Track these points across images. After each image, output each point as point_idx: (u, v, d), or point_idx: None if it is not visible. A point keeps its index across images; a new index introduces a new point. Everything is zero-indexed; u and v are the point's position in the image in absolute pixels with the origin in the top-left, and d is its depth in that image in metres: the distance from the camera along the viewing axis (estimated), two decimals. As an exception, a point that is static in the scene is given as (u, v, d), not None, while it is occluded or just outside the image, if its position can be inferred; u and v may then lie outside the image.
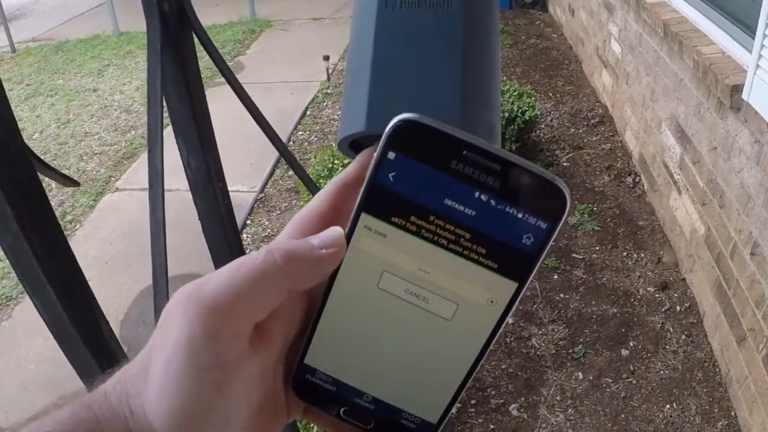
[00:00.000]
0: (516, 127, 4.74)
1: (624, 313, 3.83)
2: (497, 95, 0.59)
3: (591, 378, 3.48)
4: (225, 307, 0.43)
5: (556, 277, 4.14)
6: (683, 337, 3.66)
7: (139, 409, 0.43)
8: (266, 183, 5.59)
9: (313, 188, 0.98)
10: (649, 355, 3.58)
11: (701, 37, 3.78)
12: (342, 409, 0.51)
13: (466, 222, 0.44)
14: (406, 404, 0.51)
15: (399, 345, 0.49)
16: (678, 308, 3.83)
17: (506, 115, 4.73)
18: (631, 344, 3.64)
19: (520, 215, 0.44)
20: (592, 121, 5.91)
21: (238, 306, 0.43)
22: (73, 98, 8.06)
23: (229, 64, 8.29)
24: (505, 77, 6.91)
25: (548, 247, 0.44)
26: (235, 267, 0.44)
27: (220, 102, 7.63)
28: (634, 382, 3.46)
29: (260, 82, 7.82)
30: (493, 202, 0.44)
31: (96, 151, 6.64)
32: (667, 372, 3.49)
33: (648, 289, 3.99)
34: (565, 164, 5.28)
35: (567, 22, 8.04)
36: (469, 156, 0.44)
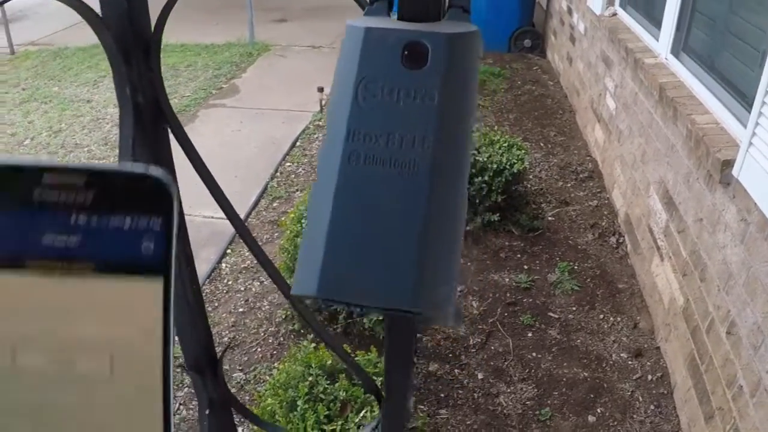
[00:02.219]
0: (503, 179, 4.71)
1: (595, 378, 3.78)
2: (457, 263, 0.58)
3: (556, 443, 3.45)
4: None
5: (530, 335, 4.09)
6: (652, 407, 3.61)
7: None
8: (250, 212, 5.57)
9: (272, 271, 0.96)
10: (615, 423, 3.53)
11: (696, 105, 3.77)
12: None
13: (78, 252, 0.39)
14: None
15: None
16: (649, 377, 3.79)
17: (494, 166, 4.71)
18: (599, 411, 3.59)
19: (128, 223, 0.39)
20: (581, 176, 5.91)
21: None
22: (67, 107, 8.05)
23: (223, 86, 8.46)
24: (496, 125, 6.93)
25: (174, 239, 0.40)
26: None
27: (213, 123, 7.62)
28: (599, 450, 3.42)
29: (253, 107, 7.86)
30: (94, 220, 0.39)
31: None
32: (633, 442, 3.46)
33: (621, 355, 3.94)
34: (550, 218, 5.26)
35: (564, 71, 8.07)
36: (52, 180, 0.39)
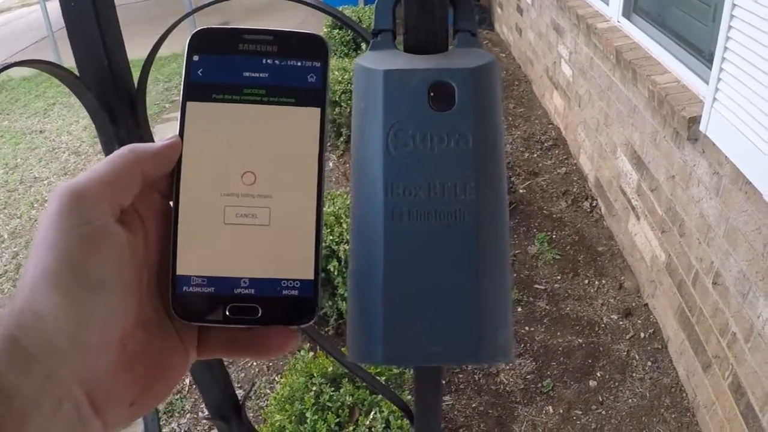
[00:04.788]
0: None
1: (589, 343, 3.85)
2: (510, 305, 0.59)
3: (561, 411, 3.49)
4: (87, 187, 0.49)
5: (519, 309, 4.14)
6: (649, 363, 3.68)
7: (21, 294, 0.46)
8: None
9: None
10: (616, 384, 3.60)
11: (655, 66, 3.81)
12: (227, 309, 0.55)
13: (266, 81, 0.56)
14: (280, 271, 0.55)
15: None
16: (642, 335, 3.85)
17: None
18: (599, 374, 3.66)
19: (299, 64, 0.57)
20: (546, 144, 5.95)
21: (98, 186, 0.50)
22: (20, 141, 7.93)
23: (176, 98, 8.35)
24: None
25: (329, 78, 0.58)
26: (94, 167, 0.51)
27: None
28: (603, 412, 3.47)
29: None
30: (277, 62, 0.56)
31: (47, 198, 6.43)
32: (635, 400, 3.51)
33: (611, 316, 4.01)
34: (521, 191, 5.29)
35: (514, 42, 8.09)
36: (249, 38, 0.56)
